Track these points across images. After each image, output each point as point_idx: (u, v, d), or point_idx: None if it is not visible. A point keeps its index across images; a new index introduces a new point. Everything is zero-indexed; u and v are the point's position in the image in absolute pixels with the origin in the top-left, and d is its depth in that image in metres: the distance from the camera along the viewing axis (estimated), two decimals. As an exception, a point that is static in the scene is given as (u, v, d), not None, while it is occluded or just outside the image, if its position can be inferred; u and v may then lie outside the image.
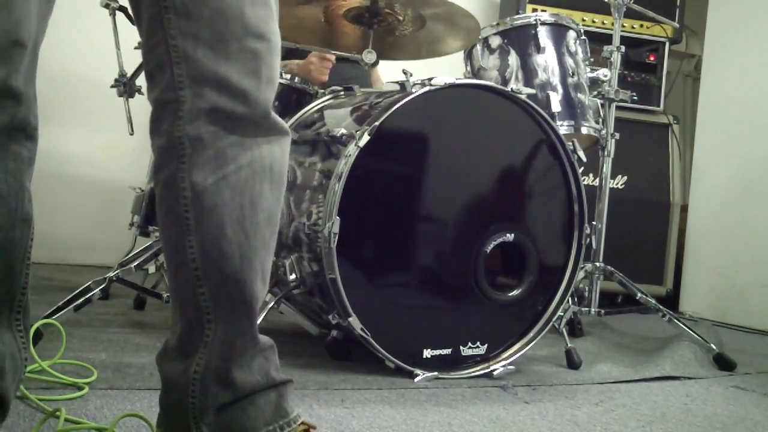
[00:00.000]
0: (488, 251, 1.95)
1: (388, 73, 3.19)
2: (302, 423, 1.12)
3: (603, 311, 2.52)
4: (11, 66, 0.90)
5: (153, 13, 1.02)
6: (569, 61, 2.43)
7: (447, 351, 1.93)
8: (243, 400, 1.07)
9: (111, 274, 2.05)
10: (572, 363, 2.13)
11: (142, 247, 2.27)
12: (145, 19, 1.04)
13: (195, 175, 1.02)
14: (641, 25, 3.75)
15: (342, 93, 2.25)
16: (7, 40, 0.89)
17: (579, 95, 2.42)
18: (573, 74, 2.42)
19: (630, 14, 2.77)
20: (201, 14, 1.00)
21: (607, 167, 2.60)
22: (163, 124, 1.03)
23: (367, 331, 1.79)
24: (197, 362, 1.05)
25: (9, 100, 0.92)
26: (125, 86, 2.26)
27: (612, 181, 3.58)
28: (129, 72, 2.27)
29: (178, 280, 1.07)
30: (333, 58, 2.76)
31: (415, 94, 1.83)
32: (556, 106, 2.30)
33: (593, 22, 3.66)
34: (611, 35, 2.65)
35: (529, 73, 2.39)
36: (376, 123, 1.78)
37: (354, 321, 1.78)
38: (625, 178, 3.68)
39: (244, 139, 1.04)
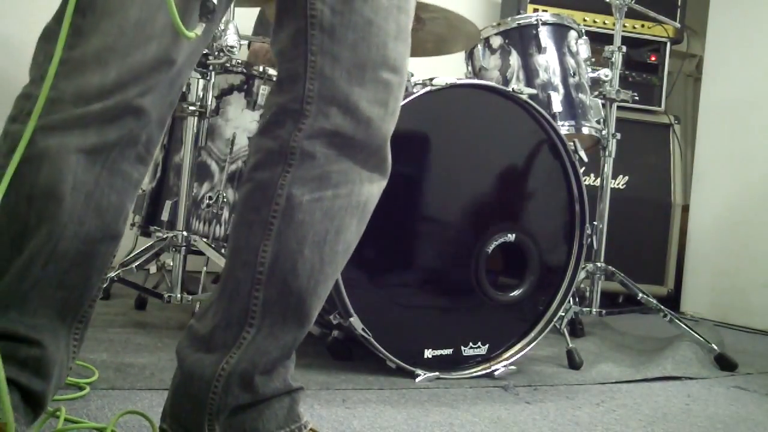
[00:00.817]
0: (489, 251, 1.95)
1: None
2: (311, 430, 1.13)
3: (604, 311, 2.52)
4: (143, 86, 0.93)
5: (299, 27, 1.03)
6: (570, 61, 2.43)
7: (448, 351, 1.92)
8: (260, 403, 1.08)
9: (112, 274, 2.05)
10: (573, 363, 2.13)
11: (144, 247, 2.27)
12: (287, 30, 1.05)
13: (294, 187, 1.04)
14: (642, 25, 3.75)
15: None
16: (152, 60, 0.93)
17: (580, 95, 2.42)
18: (574, 74, 2.42)
19: (631, 14, 2.77)
20: (346, 37, 1.02)
21: (608, 167, 2.60)
22: (280, 129, 1.05)
23: (368, 332, 1.79)
24: (227, 360, 1.05)
25: (130, 116, 0.94)
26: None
27: (613, 181, 3.58)
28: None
29: (236, 276, 1.07)
30: None
31: (416, 94, 1.83)
32: (557, 107, 2.30)
33: (594, 22, 3.66)
34: (612, 35, 2.65)
35: (530, 73, 2.39)
36: (378, 123, 1.77)
37: (355, 321, 1.78)
38: (627, 178, 3.67)
39: (352, 166, 1.06)
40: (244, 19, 2.36)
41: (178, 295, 2.09)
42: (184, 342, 1.12)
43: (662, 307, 2.46)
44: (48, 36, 0.93)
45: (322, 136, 1.03)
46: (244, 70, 2.28)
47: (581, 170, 2.08)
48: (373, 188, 1.10)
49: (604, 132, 2.52)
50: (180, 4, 0.92)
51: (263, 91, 2.26)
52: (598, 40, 3.15)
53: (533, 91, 2.07)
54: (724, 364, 2.28)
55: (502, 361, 1.99)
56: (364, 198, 1.09)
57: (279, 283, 1.05)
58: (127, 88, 0.92)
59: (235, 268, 1.08)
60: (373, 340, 1.80)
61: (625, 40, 2.71)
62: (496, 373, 1.95)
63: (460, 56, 2.60)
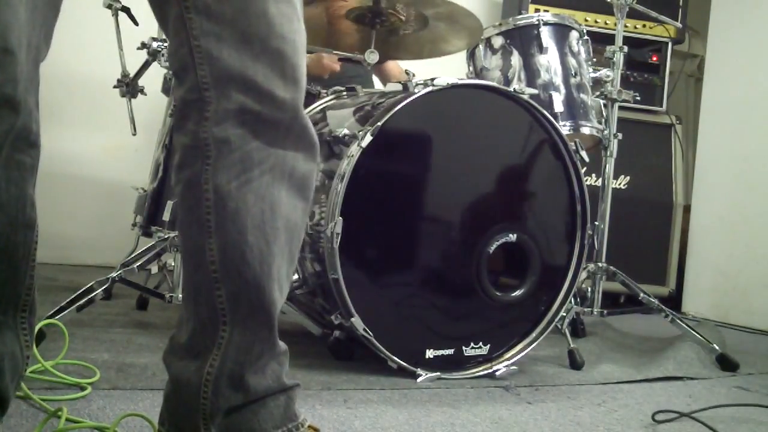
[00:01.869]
0: (491, 252, 1.95)
1: (391, 73, 3.18)
2: (309, 427, 1.13)
3: (605, 311, 2.52)
4: (2, 75, 0.87)
5: (176, 14, 1.00)
6: (572, 61, 2.43)
7: (449, 351, 1.93)
8: (254, 403, 1.07)
9: (114, 274, 2.05)
10: (575, 363, 2.13)
11: (145, 248, 2.26)
12: (170, 20, 1.02)
13: (219, 177, 1.01)
14: (644, 25, 3.75)
15: (344, 93, 2.25)
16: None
17: (581, 95, 2.42)
18: (575, 74, 2.42)
19: (633, 14, 2.76)
20: (224, 13, 0.98)
21: (609, 167, 2.60)
22: (189, 122, 1.03)
23: (369, 332, 1.79)
24: (211, 363, 1.05)
25: (5, 109, 0.89)
26: (128, 86, 2.27)
27: (615, 181, 3.58)
28: (131, 72, 2.28)
29: (194, 279, 1.06)
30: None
31: (417, 95, 1.83)
32: (558, 107, 2.30)
33: (596, 22, 3.66)
34: (614, 35, 2.65)
35: (531, 73, 2.39)
36: (379, 123, 1.78)
37: (357, 321, 1.78)
38: (628, 178, 3.67)
39: (271, 144, 1.03)
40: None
41: (180, 296, 2.09)
42: (167, 352, 1.11)
43: (663, 307, 2.46)
44: None
45: (230, 117, 1.00)
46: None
47: (583, 170, 2.08)
48: (297, 162, 1.06)
49: (605, 132, 2.52)
50: None
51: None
52: (600, 40, 3.15)
53: (535, 91, 2.07)
54: (726, 364, 2.28)
55: (503, 361, 1.99)
56: (288, 167, 1.05)
57: (234, 276, 1.03)
58: None
59: (191, 272, 1.07)
60: (374, 340, 1.80)
61: (627, 40, 2.71)
62: (497, 373, 1.95)
63: (461, 56, 2.60)
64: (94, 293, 1.98)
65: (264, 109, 1.01)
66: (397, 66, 3.17)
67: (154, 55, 2.20)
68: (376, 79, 3.25)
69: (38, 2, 0.92)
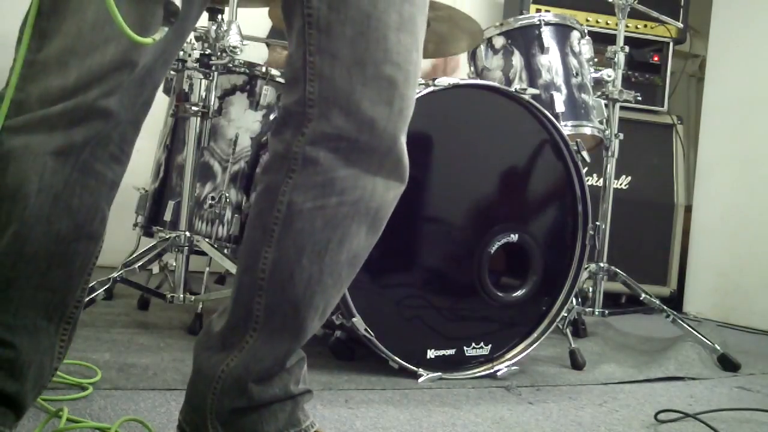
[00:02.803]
0: (492, 252, 1.95)
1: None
2: None
3: (607, 312, 2.52)
4: (104, 87, 0.91)
5: (299, 27, 1.01)
6: (573, 61, 2.43)
7: (451, 351, 1.92)
8: (260, 408, 1.07)
9: (115, 274, 2.05)
10: (576, 363, 2.13)
11: (146, 248, 2.26)
12: (293, 31, 1.03)
13: (296, 194, 1.01)
14: (645, 26, 3.75)
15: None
16: (111, 62, 0.91)
17: (583, 95, 2.42)
18: (577, 74, 2.42)
19: (634, 14, 2.77)
20: (344, 33, 0.98)
21: (610, 168, 2.60)
22: (286, 132, 1.03)
23: (371, 332, 1.79)
24: (228, 362, 1.06)
25: (97, 119, 0.93)
26: (129, 87, 2.26)
27: (616, 181, 3.57)
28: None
29: (241, 279, 1.07)
30: None
31: (419, 95, 1.83)
32: (560, 107, 2.30)
33: (597, 22, 3.66)
34: (615, 35, 2.65)
35: (532, 73, 2.39)
36: (380, 123, 1.77)
37: (358, 321, 1.78)
38: (629, 178, 3.67)
39: (361, 174, 1.02)
40: (248, 19, 2.35)
41: (181, 296, 2.09)
42: (201, 336, 1.13)
43: (665, 307, 2.46)
44: (20, 39, 0.93)
45: (325, 140, 1.00)
46: (247, 71, 2.28)
47: (584, 170, 2.08)
48: (387, 194, 1.06)
49: (606, 132, 2.52)
50: (135, 6, 0.91)
51: (266, 91, 2.26)
52: (601, 40, 3.15)
53: (536, 91, 2.07)
54: (727, 364, 2.28)
55: (504, 361, 1.99)
56: (375, 205, 1.05)
57: (277, 290, 1.04)
58: (87, 90, 0.91)
59: (241, 271, 1.08)
60: (375, 340, 1.80)
61: (628, 41, 2.71)
62: (498, 373, 1.95)
63: (462, 57, 2.60)
64: (96, 293, 1.98)
65: (362, 136, 1.00)
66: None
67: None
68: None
69: (169, 35, 0.93)
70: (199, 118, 2.15)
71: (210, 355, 1.08)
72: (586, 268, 2.39)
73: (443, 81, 1.86)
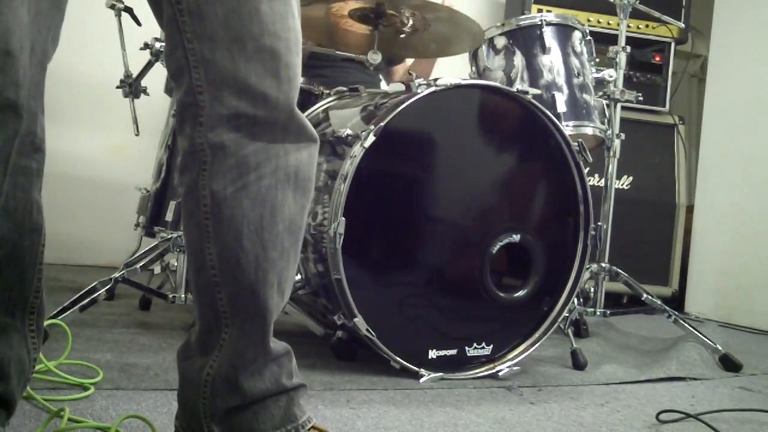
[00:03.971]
0: (494, 252, 1.95)
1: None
2: (313, 428, 1.12)
3: (608, 312, 2.52)
4: (4, 78, 0.86)
5: (169, 16, 1.00)
6: (575, 61, 2.43)
7: (452, 352, 1.92)
8: (254, 404, 1.07)
9: (116, 274, 2.05)
10: (578, 364, 2.13)
11: (148, 248, 2.27)
12: (165, 22, 1.02)
13: (214, 183, 1.01)
14: (647, 26, 3.75)
15: (347, 93, 2.25)
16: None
17: (584, 96, 2.42)
18: (578, 75, 2.42)
19: (635, 14, 2.77)
20: (215, 14, 0.97)
21: (612, 168, 2.60)
22: (187, 127, 1.02)
23: (372, 332, 1.79)
24: (211, 364, 1.05)
25: (8, 114, 0.88)
26: (131, 87, 2.27)
27: (617, 181, 3.58)
28: (134, 73, 2.28)
29: (198, 282, 1.07)
30: None
31: (420, 95, 1.83)
32: (561, 107, 2.30)
33: (598, 22, 3.66)
34: (616, 35, 2.65)
35: (534, 73, 2.39)
36: (382, 123, 1.78)
37: (359, 322, 1.78)
38: (631, 178, 3.67)
39: (269, 145, 1.02)
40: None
41: (183, 296, 2.10)
42: (180, 348, 1.12)
43: (666, 307, 2.46)
44: None
45: (224, 122, 0.99)
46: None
47: (585, 171, 2.08)
48: (300, 155, 1.05)
49: (608, 132, 2.52)
50: None
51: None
52: (603, 40, 3.14)
53: (537, 91, 2.07)
54: (729, 364, 2.28)
55: (506, 361, 1.99)
56: (293, 168, 1.04)
57: (231, 281, 1.03)
58: None
59: (195, 275, 1.07)
60: (377, 340, 1.80)
61: (630, 41, 2.71)
62: (500, 373, 1.95)
63: (464, 57, 2.60)
64: (97, 293, 1.99)
65: (258, 111, 1.00)
66: (406, 70, 3.16)
67: (156, 55, 2.20)
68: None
69: (42, 4, 0.92)
70: (200, 119, 2.15)
71: (192, 362, 1.08)
72: (587, 269, 2.39)
73: (445, 81, 1.86)
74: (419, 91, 1.85)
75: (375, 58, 2.21)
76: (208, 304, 1.06)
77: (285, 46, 1.01)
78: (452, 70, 2.33)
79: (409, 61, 3.12)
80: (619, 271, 2.54)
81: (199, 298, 1.07)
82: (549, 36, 2.41)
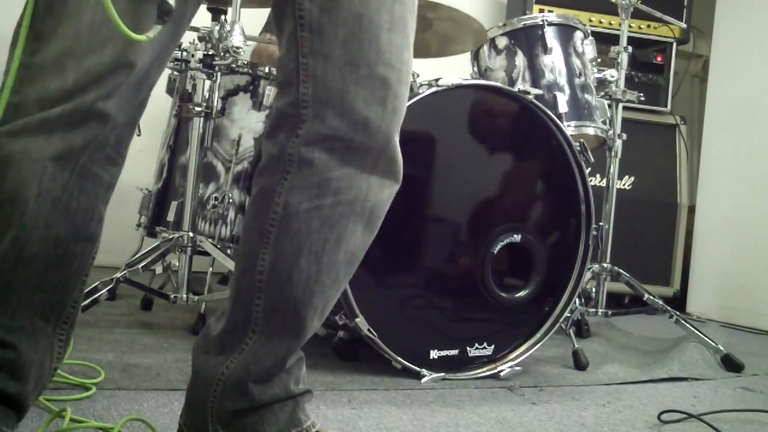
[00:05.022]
0: (495, 252, 1.95)
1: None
2: None
3: (610, 312, 2.52)
4: (102, 90, 0.92)
5: (290, 29, 1.01)
6: (576, 61, 2.43)
7: (454, 352, 1.92)
8: (261, 408, 1.07)
9: (118, 274, 2.05)
10: (579, 364, 2.13)
11: (149, 248, 2.27)
12: (284, 34, 1.03)
13: (291, 196, 1.02)
14: (648, 26, 3.74)
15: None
16: (109, 63, 0.91)
17: (586, 96, 2.42)
18: (580, 75, 2.42)
19: (637, 15, 2.76)
20: (335, 34, 0.98)
21: (614, 168, 2.60)
22: (280, 134, 1.03)
23: (374, 332, 1.79)
24: (227, 365, 1.06)
25: (94, 122, 0.93)
26: (132, 87, 2.26)
27: (619, 181, 3.57)
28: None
29: (240, 281, 1.07)
30: None
31: (422, 95, 1.83)
32: (563, 107, 2.30)
33: (600, 22, 3.65)
34: (618, 36, 2.65)
35: (536, 73, 2.39)
36: (383, 124, 1.77)
37: (361, 322, 1.78)
38: (632, 178, 3.67)
39: (356, 173, 1.03)
40: (251, 19, 2.35)
41: (184, 296, 2.10)
42: (199, 340, 1.13)
43: (668, 307, 2.46)
44: (14, 41, 0.93)
45: (320, 141, 1.00)
46: (250, 71, 2.28)
47: (587, 171, 2.08)
48: (382, 193, 1.07)
49: (610, 132, 2.52)
50: (131, 6, 0.91)
51: (269, 92, 2.26)
52: (604, 40, 3.14)
53: (539, 91, 2.07)
54: (731, 365, 2.28)
55: (507, 361, 1.98)
56: (370, 204, 1.05)
57: (276, 291, 1.04)
58: (86, 92, 0.91)
59: (239, 274, 1.08)
60: (378, 340, 1.80)
61: (631, 41, 2.71)
62: (501, 373, 1.95)
63: (465, 57, 2.60)
64: (99, 294, 1.99)
65: (356, 135, 1.01)
66: None
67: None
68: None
69: (164, 36, 0.94)
70: (202, 119, 2.16)
71: (209, 358, 1.08)
72: (589, 269, 2.39)
73: (446, 81, 1.86)
74: (420, 91, 1.85)
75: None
76: (242, 304, 1.06)
77: (397, 78, 1.02)
78: (454, 70, 2.32)
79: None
80: (621, 271, 2.54)
81: (235, 296, 1.08)
82: (550, 36, 2.40)
